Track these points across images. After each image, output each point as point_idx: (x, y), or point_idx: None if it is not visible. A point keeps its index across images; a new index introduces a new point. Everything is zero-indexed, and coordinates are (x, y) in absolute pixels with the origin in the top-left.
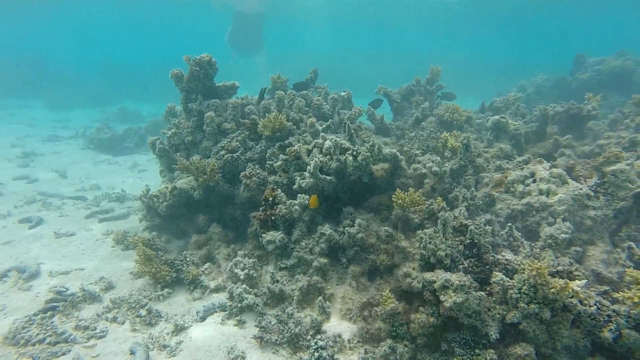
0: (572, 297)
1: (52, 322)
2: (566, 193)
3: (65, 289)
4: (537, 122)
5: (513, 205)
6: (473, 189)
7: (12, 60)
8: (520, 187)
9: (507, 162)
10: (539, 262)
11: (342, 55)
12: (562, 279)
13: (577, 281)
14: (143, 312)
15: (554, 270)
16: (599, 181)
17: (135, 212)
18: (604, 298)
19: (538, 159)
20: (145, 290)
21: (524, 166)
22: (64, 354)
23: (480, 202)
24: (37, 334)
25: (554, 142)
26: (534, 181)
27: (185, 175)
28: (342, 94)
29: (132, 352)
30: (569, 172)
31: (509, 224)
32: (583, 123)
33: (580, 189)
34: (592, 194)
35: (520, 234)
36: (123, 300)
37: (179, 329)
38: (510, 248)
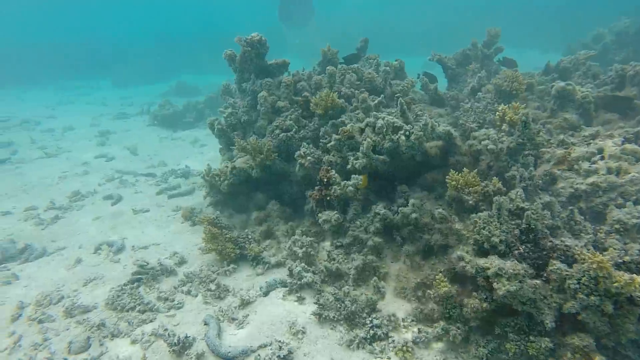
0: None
1: (139, 292)
2: None
3: (146, 263)
4: (613, 84)
5: (577, 184)
6: (532, 168)
7: (79, 43)
8: (585, 165)
9: (572, 136)
10: (601, 254)
11: (390, 11)
12: (630, 271)
13: None
14: (213, 286)
15: (620, 260)
16: None
17: (200, 187)
18: None
19: (608, 132)
20: (213, 266)
21: (591, 141)
22: (151, 321)
23: (540, 181)
24: (129, 302)
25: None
26: (602, 158)
27: (243, 154)
28: (394, 63)
29: (206, 323)
30: None
31: (570, 207)
32: None
33: None
34: None
35: (582, 217)
36: (195, 274)
37: (245, 303)
38: (572, 232)
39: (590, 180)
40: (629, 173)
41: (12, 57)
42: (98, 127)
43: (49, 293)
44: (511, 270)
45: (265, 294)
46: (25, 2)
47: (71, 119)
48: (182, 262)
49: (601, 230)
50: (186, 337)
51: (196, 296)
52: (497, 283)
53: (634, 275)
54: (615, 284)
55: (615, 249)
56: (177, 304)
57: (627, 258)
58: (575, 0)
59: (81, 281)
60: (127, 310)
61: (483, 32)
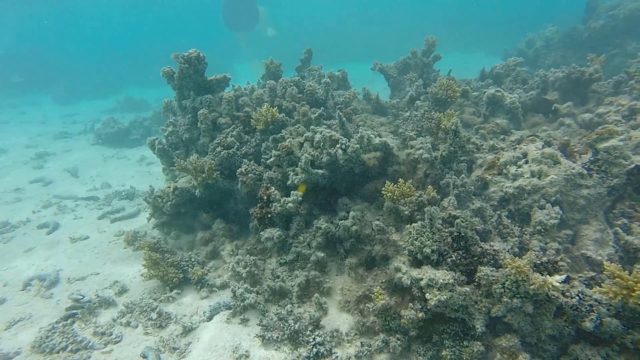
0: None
1: (73, 329)
2: (558, 174)
3: (82, 296)
4: (538, 89)
5: (506, 188)
6: (464, 175)
7: (16, 56)
8: (512, 169)
9: (502, 141)
10: (520, 258)
11: (341, 21)
12: (546, 270)
13: (556, 276)
14: (154, 315)
15: (538, 261)
16: (592, 158)
17: (145, 209)
18: (590, 284)
19: (531, 137)
20: (155, 292)
21: (517, 146)
22: None
23: (472, 187)
24: (60, 342)
25: (553, 111)
26: (527, 162)
27: (185, 174)
28: (337, 73)
29: (145, 357)
30: (564, 149)
31: (498, 212)
32: (586, 87)
33: (573, 169)
34: (585, 172)
35: (509, 221)
36: (135, 304)
37: (188, 330)
38: (500, 235)
39: (516, 183)
40: (549, 176)
41: None
42: (35, 148)
43: None
44: (441, 280)
45: (209, 318)
46: None
47: (3, 141)
48: (122, 291)
49: (526, 232)
50: None
51: (136, 327)
52: (429, 293)
53: (547, 277)
54: (532, 286)
55: (534, 250)
56: (115, 337)
57: (544, 259)
58: (515, 9)
59: (3, 324)
60: (57, 352)
61: (433, 35)
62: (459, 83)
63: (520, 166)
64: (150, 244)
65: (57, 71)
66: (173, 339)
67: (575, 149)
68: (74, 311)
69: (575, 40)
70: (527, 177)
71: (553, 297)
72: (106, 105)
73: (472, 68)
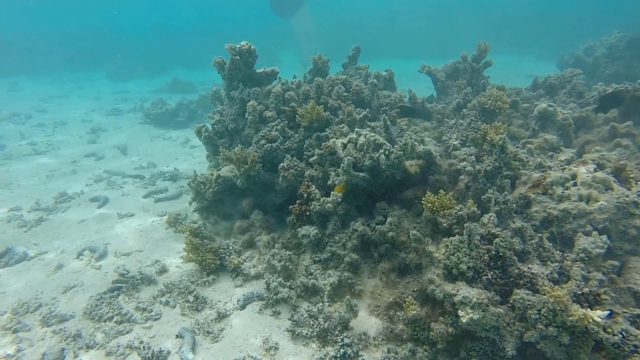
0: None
1: (118, 302)
2: (609, 200)
3: (127, 272)
4: (596, 105)
5: (550, 209)
6: (506, 192)
7: (76, 34)
8: (559, 190)
9: (549, 159)
10: (561, 286)
11: (390, 14)
12: (587, 302)
13: (598, 311)
14: (191, 297)
15: (579, 292)
16: None
17: (187, 192)
18: (636, 322)
19: (582, 159)
20: (193, 276)
21: (566, 166)
22: (127, 332)
23: (514, 205)
24: (107, 312)
25: (610, 130)
26: (575, 184)
27: (228, 163)
28: (384, 73)
29: (181, 336)
30: (618, 174)
31: (539, 234)
32: None
33: (627, 196)
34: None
35: (550, 244)
36: (174, 285)
37: (222, 316)
38: (540, 258)
39: (562, 206)
40: (598, 201)
41: (3, 45)
42: (90, 123)
43: (27, 301)
44: (475, 299)
45: (242, 307)
46: None
47: (63, 114)
48: (162, 270)
49: (567, 258)
50: (160, 351)
51: (174, 307)
52: (462, 311)
53: (587, 311)
54: (571, 318)
55: (576, 279)
56: (155, 315)
57: (586, 289)
58: (572, 9)
59: (61, 288)
60: (105, 321)
61: (481, 35)
62: (509, 93)
63: (567, 188)
64: (191, 229)
65: (113, 49)
66: (208, 323)
67: (632, 175)
68: (120, 285)
69: None
70: (574, 201)
71: (593, 330)
72: (154, 85)
73: (520, 72)
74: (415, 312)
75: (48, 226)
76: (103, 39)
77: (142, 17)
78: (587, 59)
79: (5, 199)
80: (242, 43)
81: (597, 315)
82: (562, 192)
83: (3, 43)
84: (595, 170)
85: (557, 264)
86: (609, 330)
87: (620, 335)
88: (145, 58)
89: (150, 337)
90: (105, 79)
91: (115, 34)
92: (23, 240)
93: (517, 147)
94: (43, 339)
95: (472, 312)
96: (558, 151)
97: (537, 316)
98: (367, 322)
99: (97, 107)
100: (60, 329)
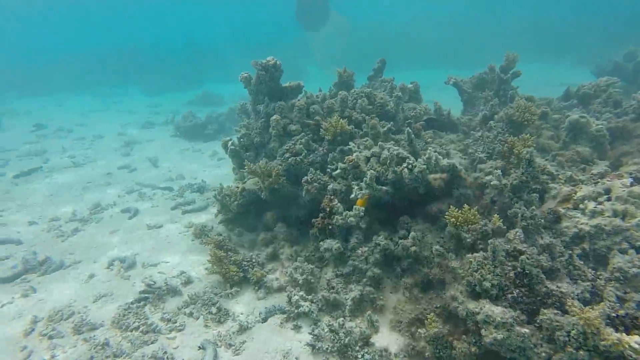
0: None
1: (144, 312)
2: None
3: (153, 282)
4: (634, 114)
5: (581, 224)
6: (534, 207)
7: (114, 52)
8: (591, 205)
9: (581, 172)
10: (592, 308)
11: (416, 24)
12: (623, 325)
13: (635, 337)
14: (214, 309)
15: (614, 314)
16: None
17: (213, 204)
18: None
19: (618, 172)
20: (217, 288)
21: (599, 180)
22: (152, 342)
23: (542, 220)
24: (134, 322)
25: None
26: (609, 199)
27: (253, 176)
28: (409, 86)
29: (203, 348)
30: None
31: (569, 251)
32: None
33: None
34: None
35: (581, 262)
36: (198, 296)
37: (243, 329)
38: (570, 276)
39: (595, 221)
40: (636, 217)
41: (54, 65)
42: (125, 136)
43: (61, 308)
44: (499, 319)
45: (264, 320)
46: (64, 11)
47: (101, 127)
48: (188, 282)
49: (601, 277)
50: None
51: (198, 318)
52: (485, 330)
53: (623, 335)
54: (604, 342)
55: (609, 300)
56: (179, 325)
57: (621, 312)
58: (609, 14)
59: (92, 297)
60: (131, 330)
61: (511, 44)
62: (539, 104)
63: (600, 203)
64: (216, 242)
65: (147, 65)
66: (230, 335)
67: None
68: (146, 295)
69: None
70: (608, 216)
71: (630, 357)
72: (186, 98)
73: (553, 81)
74: (437, 329)
75: (83, 236)
76: (138, 56)
77: (175, 34)
78: (627, 65)
79: (47, 209)
80: (268, 58)
81: (635, 341)
82: (595, 207)
83: (51, 63)
84: (631, 185)
85: (588, 283)
86: None
87: None
88: (177, 72)
89: (174, 348)
90: (140, 93)
91: (150, 50)
92: (60, 249)
93: (547, 159)
94: (75, 347)
95: (495, 332)
96: (591, 164)
97: (567, 338)
98: (389, 337)
99: (131, 121)
100: (90, 337)
